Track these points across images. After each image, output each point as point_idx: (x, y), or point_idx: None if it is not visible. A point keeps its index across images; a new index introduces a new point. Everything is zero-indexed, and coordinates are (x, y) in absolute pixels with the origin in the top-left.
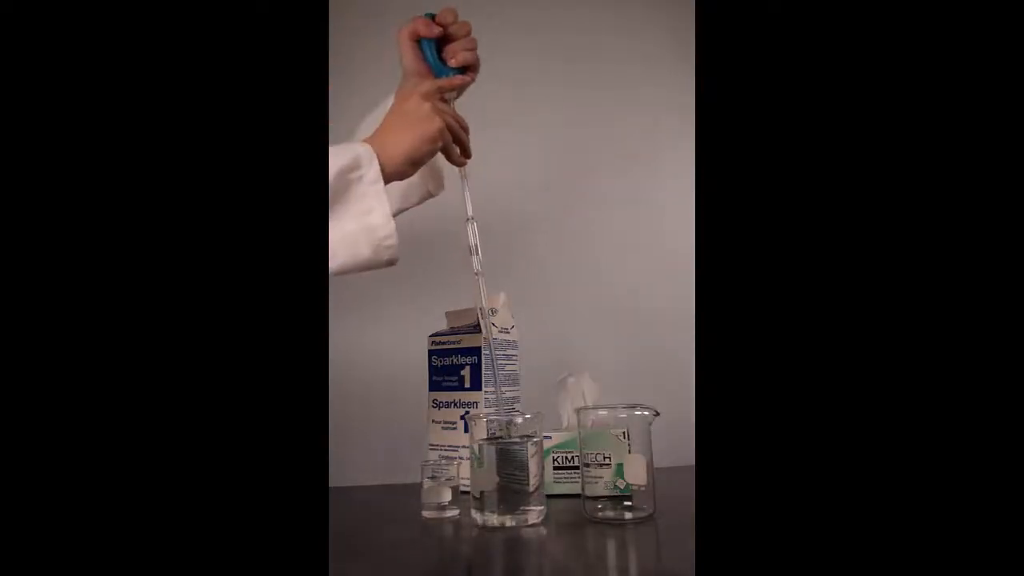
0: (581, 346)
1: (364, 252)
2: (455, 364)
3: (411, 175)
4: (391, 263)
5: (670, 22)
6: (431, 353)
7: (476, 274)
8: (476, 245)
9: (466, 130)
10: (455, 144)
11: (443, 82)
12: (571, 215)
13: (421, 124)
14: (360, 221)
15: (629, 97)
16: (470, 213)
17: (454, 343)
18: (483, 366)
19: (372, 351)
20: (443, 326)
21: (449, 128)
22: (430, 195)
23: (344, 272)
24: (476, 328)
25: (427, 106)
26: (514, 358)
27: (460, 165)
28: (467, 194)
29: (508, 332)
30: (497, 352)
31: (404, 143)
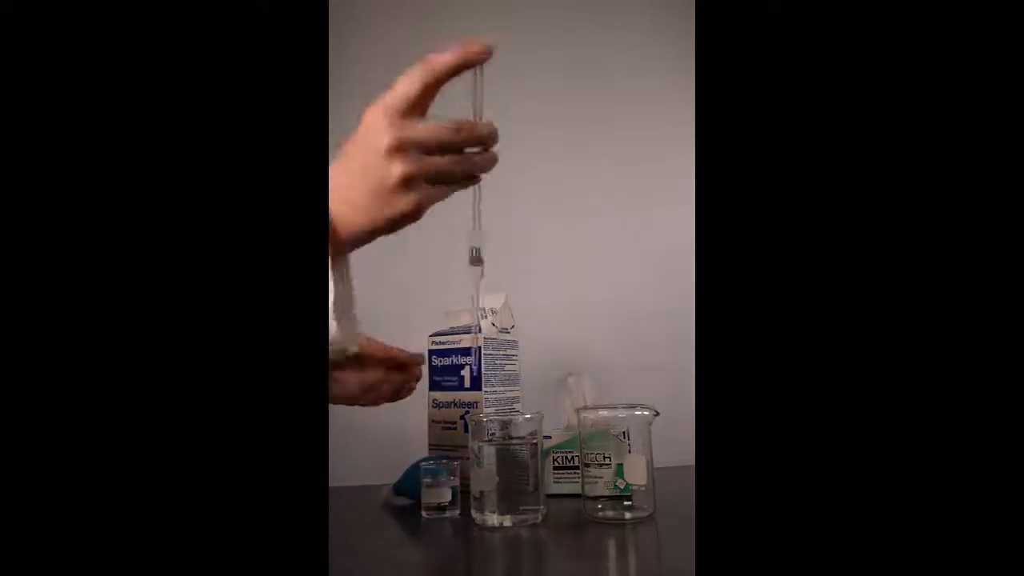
0: (581, 346)
1: None
2: (455, 364)
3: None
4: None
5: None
6: (431, 353)
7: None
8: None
9: (469, 141)
10: (449, 184)
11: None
12: (571, 215)
13: (386, 199)
14: None
15: (630, 95)
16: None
17: (454, 343)
18: (481, 360)
19: None
20: (443, 326)
21: (429, 180)
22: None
23: None
24: (476, 328)
25: (395, 166)
26: (514, 358)
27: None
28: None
29: (508, 332)
30: (497, 352)
31: (362, 218)
